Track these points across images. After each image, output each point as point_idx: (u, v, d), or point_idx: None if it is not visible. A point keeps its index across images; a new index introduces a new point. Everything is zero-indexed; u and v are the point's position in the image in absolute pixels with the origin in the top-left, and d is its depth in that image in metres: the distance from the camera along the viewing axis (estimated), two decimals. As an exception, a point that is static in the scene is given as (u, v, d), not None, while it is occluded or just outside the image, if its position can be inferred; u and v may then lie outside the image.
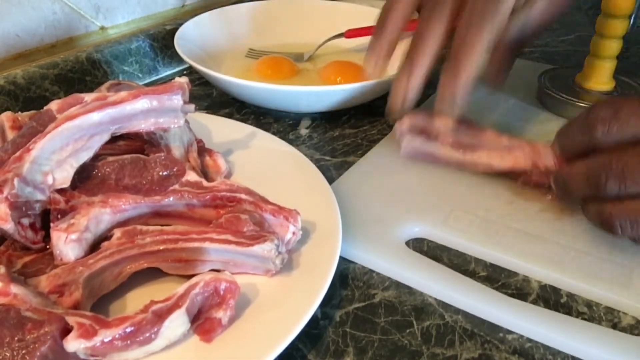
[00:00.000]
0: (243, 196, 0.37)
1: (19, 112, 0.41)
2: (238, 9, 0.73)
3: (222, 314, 0.31)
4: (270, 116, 0.59)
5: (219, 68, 0.64)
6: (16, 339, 0.27)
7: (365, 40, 0.68)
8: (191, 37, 0.64)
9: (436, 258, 0.40)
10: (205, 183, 0.38)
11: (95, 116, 0.36)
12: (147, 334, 0.28)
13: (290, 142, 0.48)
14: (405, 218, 0.42)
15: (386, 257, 0.38)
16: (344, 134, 0.55)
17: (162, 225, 0.36)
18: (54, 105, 0.37)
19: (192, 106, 0.40)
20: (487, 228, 0.41)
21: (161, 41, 0.67)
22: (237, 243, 0.33)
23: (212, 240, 0.34)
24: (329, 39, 0.69)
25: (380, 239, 0.40)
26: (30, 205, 0.33)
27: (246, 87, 0.53)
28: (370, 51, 0.49)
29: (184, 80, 0.39)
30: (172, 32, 0.68)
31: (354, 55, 0.70)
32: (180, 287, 0.31)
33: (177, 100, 0.38)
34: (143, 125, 0.38)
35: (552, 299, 0.36)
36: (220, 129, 0.50)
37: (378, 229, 0.41)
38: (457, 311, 0.35)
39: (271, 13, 0.75)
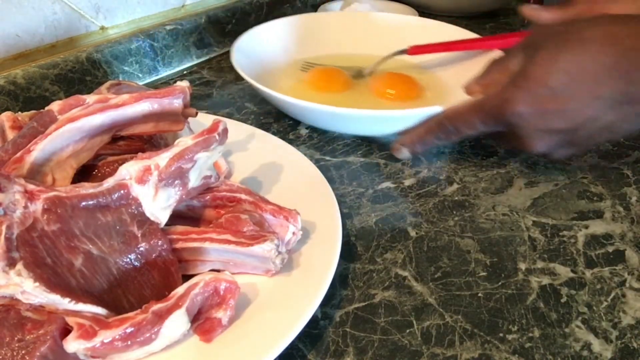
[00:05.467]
0: (243, 196, 0.38)
1: (19, 112, 0.41)
2: (295, 21, 0.69)
3: (222, 314, 0.31)
4: (270, 116, 0.59)
5: (273, 81, 0.60)
6: (16, 339, 0.27)
7: (430, 57, 0.66)
8: (247, 49, 0.61)
9: (436, 258, 0.40)
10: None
11: (97, 119, 0.36)
12: (147, 334, 0.28)
13: (290, 142, 0.48)
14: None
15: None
16: (344, 134, 0.55)
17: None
18: (55, 106, 0.37)
19: (193, 110, 0.40)
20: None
21: (161, 41, 0.67)
22: (237, 243, 0.33)
23: (212, 240, 0.34)
24: (391, 55, 0.65)
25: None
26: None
27: (303, 108, 0.50)
28: (413, 135, 0.48)
29: (185, 84, 0.39)
30: (172, 32, 0.68)
31: (417, 72, 0.65)
32: (180, 287, 0.31)
33: (178, 104, 0.38)
34: (144, 128, 0.38)
35: (552, 299, 0.36)
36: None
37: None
38: (457, 311, 0.35)
39: (330, 26, 0.71)
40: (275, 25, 0.67)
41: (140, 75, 0.66)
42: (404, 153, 0.48)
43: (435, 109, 0.47)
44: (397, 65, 0.66)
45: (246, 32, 0.63)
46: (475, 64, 0.58)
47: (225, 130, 0.35)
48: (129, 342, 0.28)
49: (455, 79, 0.60)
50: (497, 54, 0.57)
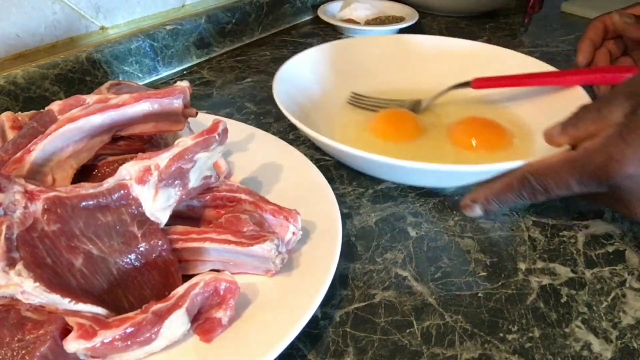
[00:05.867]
0: (243, 196, 0.38)
1: (19, 112, 0.41)
2: (341, 46, 0.62)
3: (222, 314, 0.31)
4: (270, 116, 0.59)
5: (318, 116, 0.54)
6: (16, 339, 0.27)
7: (496, 91, 0.57)
8: (290, 78, 0.54)
9: (436, 258, 0.40)
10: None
11: (97, 119, 0.36)
12: (147, 334, 0.28)
13: (290, 142, 0.48)
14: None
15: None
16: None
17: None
18: (55, 106, 0.37)
19: (193, 110, 0.40)
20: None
21: (161, 41, 0.67)
22: (237, 243, 0.33)
23: (212, 240, 0.34)
24: (451, 88, 0.56)
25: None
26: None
27: (380, 164, 0.42)
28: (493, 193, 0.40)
29: (185, 84, 0.39)
30: (172, 32, 0.68)
31: (483, 107, 0.57)
32: (180, 287, 0.31)
33: (178, 104, 0.38)
34: (144, 128, 0.38)
35: (552, 299, 0.36)
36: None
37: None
38: (457, 311, 0.35)
39: (377, 51, 0.63)
40: (316, 52, 0.60)
41: (140, 75, 0.66)
42: (476, 211, 0.41)
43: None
44: (457, 97, 0.57)
45: (286, 62, 0.56)
46: (555, 100, 0.52)
47: (225, 130, 0.35)
48: (129, 342, 0.28)
49: (537, 118, 0.51)
50: (580, 93, 0.50)
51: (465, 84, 0.56)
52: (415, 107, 0.57)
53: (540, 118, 0.50)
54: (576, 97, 0.50)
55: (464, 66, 0.60)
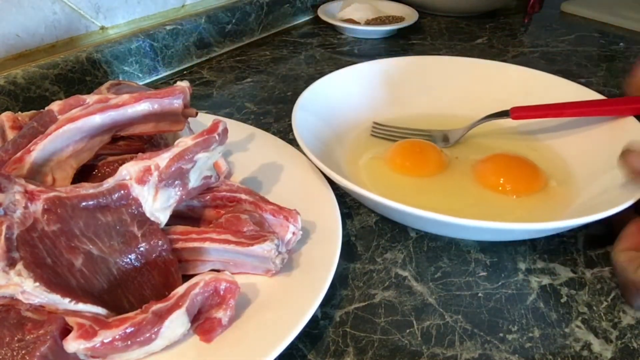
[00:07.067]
0: (243, 196, 0.38)
1: (19, 112, 0.41)
2: (365, 69, 0.56)
3: (222, 314, 0.31)
4: (270, 116, 0.59)
5: (340, 146, 0.50)
6: (16, 339, 0.27)
7: (536, 122, 0.52)
8: (311, 106, 0.49)
9: (436, 258, 0.40)
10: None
11: (97, 119, 0.36)
12: (148, 334, 0.28)
13: (290, 142, 0.48)
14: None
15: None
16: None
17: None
18: (55, 106, 0.37)
19: (193, 110, 0.40)
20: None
21: (161, 41, 0.67)
22: (237, 243, 0.33)
23: (212, 240, 0.34)
24: (487, 118, 0.50)
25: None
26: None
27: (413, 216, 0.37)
28: None
29: (185, 84, 0.39)
30: (172, 32, 0.68)
31: (519, 140, 0.52)
32: (180, 287, 0.31)
33: (178, 104, 0.38)
34: (144, 128, 0.38)
35: (552, 299, 0.36)
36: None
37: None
38: (457, 311, 0.35)
39: (409, 74, 0.57)
40: (337, 77, 0.54)
41: (140, 75, 0.66)
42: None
43: (588, 219, 0.34)
44: (491, 127, 0.52)
45: (305, 91, 0.50)
46: (602, 133, 0.46)
47: (225, 131, 0.35)
48: (129, 342, 0.28)
49: (581, 159, 0.46)
50: (633, 125, 0.45)
51: (503, 114, 0.49)
52: (445, 138, 0.52)
53: (584, 157, 0.46)
54: (628, 130, 0.45)
55: (500, 92, 0.54)
